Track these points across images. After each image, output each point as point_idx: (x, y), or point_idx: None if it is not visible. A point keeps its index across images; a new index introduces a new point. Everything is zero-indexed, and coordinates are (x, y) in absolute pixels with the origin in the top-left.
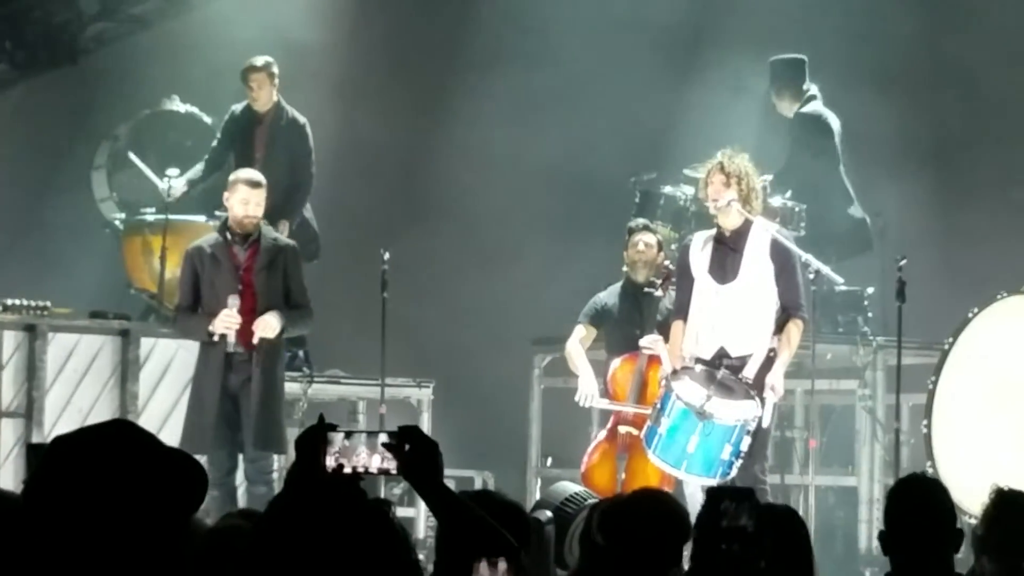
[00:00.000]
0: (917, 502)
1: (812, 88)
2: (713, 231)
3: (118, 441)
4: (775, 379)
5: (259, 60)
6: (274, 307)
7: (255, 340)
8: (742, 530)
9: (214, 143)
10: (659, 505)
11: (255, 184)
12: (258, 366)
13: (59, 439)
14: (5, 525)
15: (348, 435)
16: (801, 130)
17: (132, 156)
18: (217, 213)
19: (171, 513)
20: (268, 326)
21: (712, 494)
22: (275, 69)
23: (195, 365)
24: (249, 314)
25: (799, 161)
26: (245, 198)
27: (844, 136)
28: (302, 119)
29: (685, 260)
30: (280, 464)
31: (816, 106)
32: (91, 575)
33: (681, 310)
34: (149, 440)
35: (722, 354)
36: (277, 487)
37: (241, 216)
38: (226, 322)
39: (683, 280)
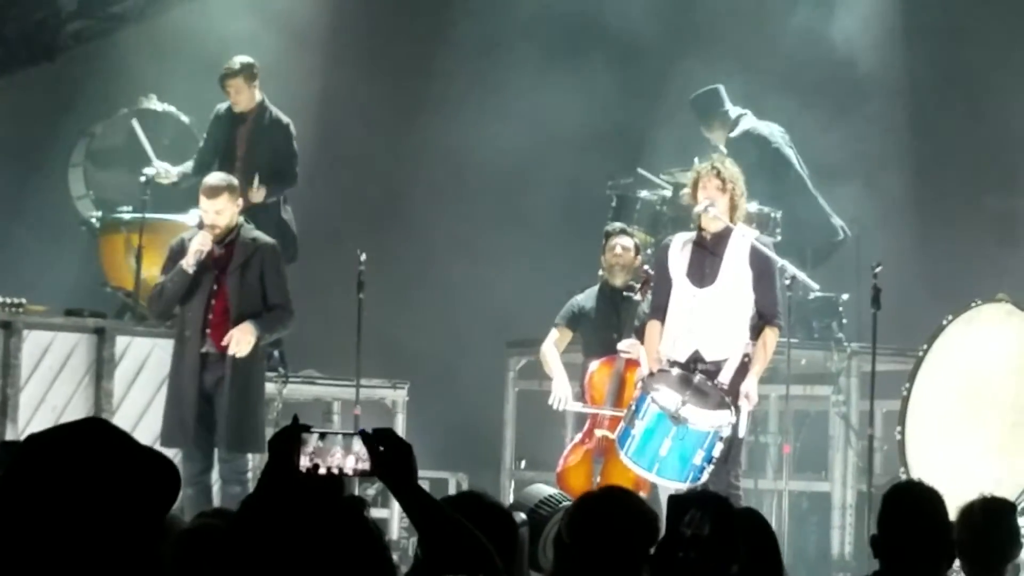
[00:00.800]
0: (911, 509)
1: (737, 110)
2: (693, 234)
3: (92, 439)
4: (750, 387)
5: (236, 63)
6: (249, 307)
7: (230, 352)
8: (702, 538)
9: (200, 143)
10: (626, 503)
11: (213, 192)
12: (231, 366)
13: (33, 437)
14: None
15: (323, 436)
16: (735, 153)
17: (135, 125)
18: (192, 211)
19: (145, 511)
20: (242, 342)
21: (675, 502)
22: (255, 70)
23: (171, 363)
24: (222, 314)
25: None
26: (205, 208)
27: (816, 145)
28: (285, 119)
29: (663, 261)
30: (255, 463)
31: (745, 123)
32: (65, 574)
33: (658, 311)
34: (123, 438)
35: (696, 358)
36: (252, 486)
37: (205, 224)
38: (197, 245)
39: (661, 281)
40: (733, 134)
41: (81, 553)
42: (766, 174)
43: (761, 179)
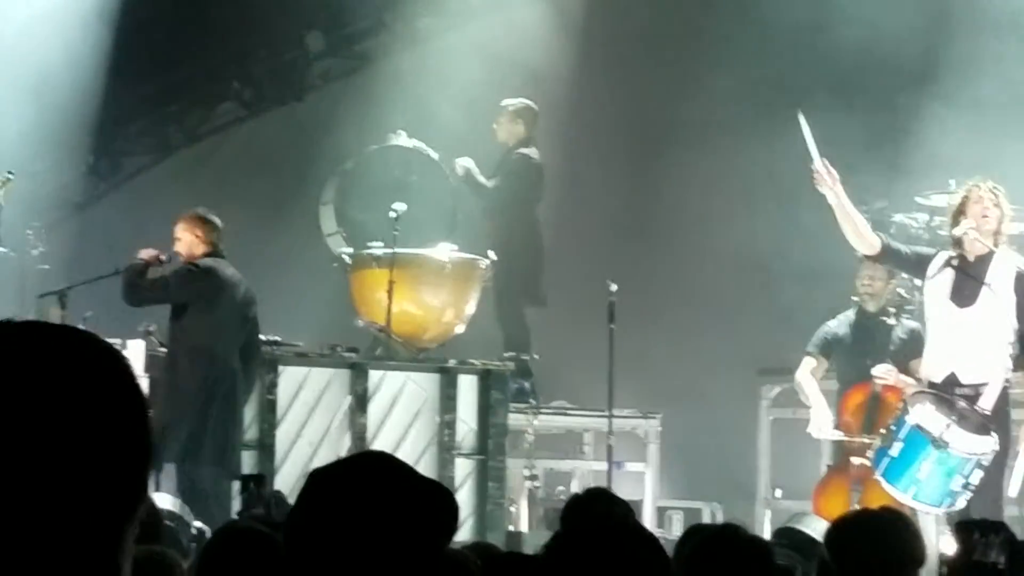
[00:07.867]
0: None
1: None
2: (951, 253)
3: (375, 472)
4: None
5: (506, 101)
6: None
7: None
8: (992, 566)
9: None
10: (887, 522)
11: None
12: None
13: (318, 471)
14: (260, 559)
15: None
16: None
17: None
18: (441, 244)
19: (426, 542)
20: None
21: (961, 527)
22: (518, 110)
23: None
24: None
25: None
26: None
27: None
28: (534, 156)
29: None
30: None
31: None
32: None
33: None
34: (404, 471)
35: (952, 380)
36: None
37: None
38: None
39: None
40: None
41: None
42: None
43: None
